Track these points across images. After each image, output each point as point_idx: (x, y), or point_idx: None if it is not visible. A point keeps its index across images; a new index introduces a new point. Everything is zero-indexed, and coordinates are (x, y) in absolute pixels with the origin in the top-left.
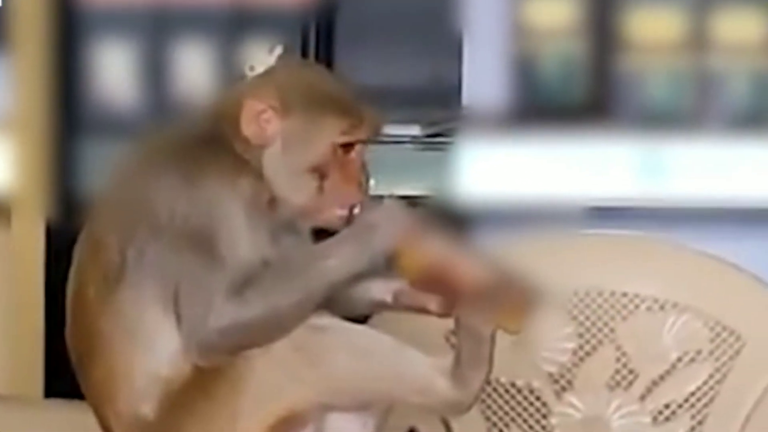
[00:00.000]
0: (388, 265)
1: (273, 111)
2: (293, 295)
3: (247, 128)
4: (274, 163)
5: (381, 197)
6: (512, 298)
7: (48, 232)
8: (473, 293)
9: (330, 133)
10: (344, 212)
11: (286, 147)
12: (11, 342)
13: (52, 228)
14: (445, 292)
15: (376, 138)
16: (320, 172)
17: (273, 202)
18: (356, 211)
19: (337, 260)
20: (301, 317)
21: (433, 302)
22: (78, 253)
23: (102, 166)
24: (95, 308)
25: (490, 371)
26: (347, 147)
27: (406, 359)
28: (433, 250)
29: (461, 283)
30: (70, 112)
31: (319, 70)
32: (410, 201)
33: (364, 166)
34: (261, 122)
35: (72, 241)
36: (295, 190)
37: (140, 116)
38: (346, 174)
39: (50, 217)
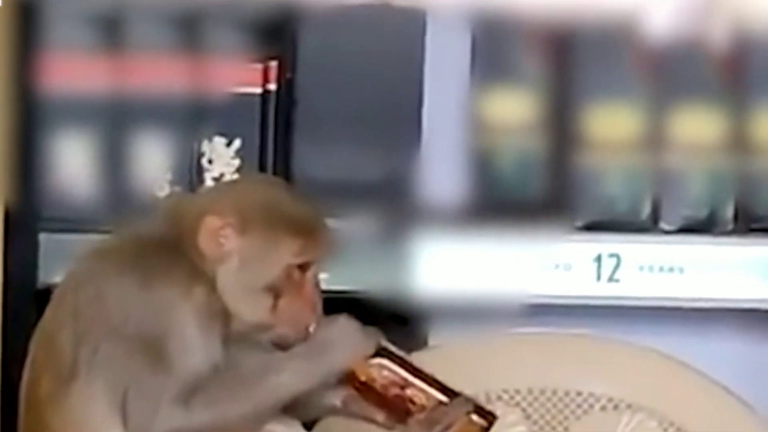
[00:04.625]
0: (340, 380)
1: (231, 228)
2: (241, 406)
3: (205, 243)
4: (229, 279)
5: (337, 314)
6: (462, 425)
7: (4, 322)
8: (423, 419)
9: (286, 253)
10: (298, 332)
11: (243, 265)
12: None
13: (8, 317)
14: (394, 411)
15: (330, 258)
16: (275, 292)
17: (227, 313)
18: (311, 329)
19: (288, 376)
20: (249, 428)
21: (380, 415)
22: (33, 345)
23: (58, 256)
24: (48, 402)
25: None
26: (302, 267)
27: None
28: (384, 370)
29: (410, 406)
30: (27, 205)
31: (279, 188)
32: (367, 305)
33: (318, 286)
34: (219, 238)
35: (28, 331)
36: (249, 307)
37: (97, 207)
38: (300, 294)
39: (6, 306)
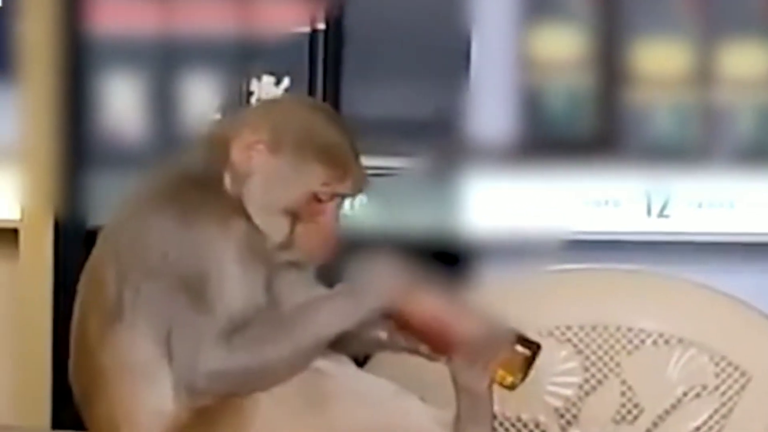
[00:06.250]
0: (384, 315)
1: (263, 145)
2: (282, 346)
3: (237, 155)
4: (253, 196)
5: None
6: (506, 355)
7: (56, 263)
8: (466, 351)
9: (311, 180)
10: (313, 260)
11: (267, 184)
12: (18, 372)
13: (59, 258)
14: (438, 345)
15: (358, 194)
16: (292, 216)
17: (264, 240)
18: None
19: (328, 315)
20: (293, 368)
21: (425, 348)
22: (81, 286)
23: (108, 197)
24: (96, 343)
25: (491, 425)
26: (326, 198)
27: (409, 409)
28: (427, 307)
29: (454, 342)
30: (77, 143)
31: (321, 114)
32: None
33: (337, 219)
34: (250, 152)
35: (78, 272)
36: (268, 227)
37: (147, 147)
38: (317, 225)
39: (57, 247)
